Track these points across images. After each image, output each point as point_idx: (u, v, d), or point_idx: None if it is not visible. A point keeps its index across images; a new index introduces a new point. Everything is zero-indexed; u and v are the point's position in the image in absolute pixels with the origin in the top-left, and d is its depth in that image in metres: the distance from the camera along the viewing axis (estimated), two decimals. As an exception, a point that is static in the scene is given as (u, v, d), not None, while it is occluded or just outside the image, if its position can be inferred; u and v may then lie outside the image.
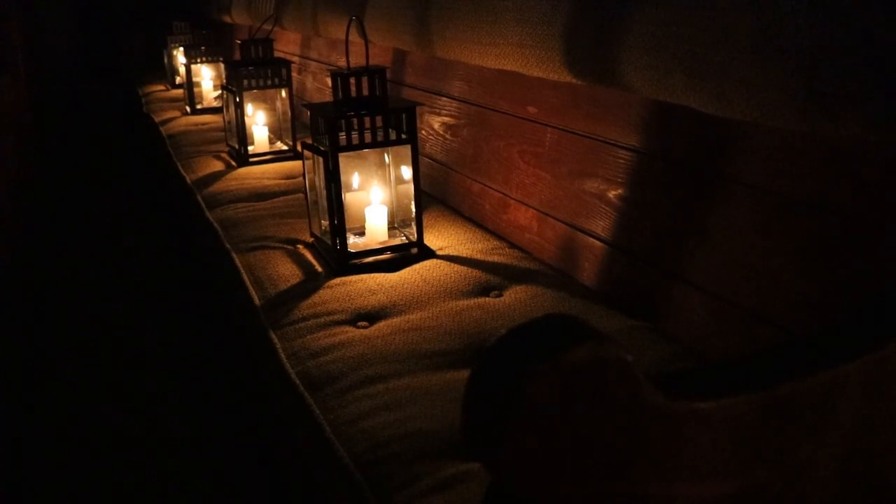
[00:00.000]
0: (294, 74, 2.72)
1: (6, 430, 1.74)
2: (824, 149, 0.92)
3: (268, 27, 2.65)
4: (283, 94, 2.35)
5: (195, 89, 3.40)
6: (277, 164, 2.30)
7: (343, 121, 1.38)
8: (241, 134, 2.32)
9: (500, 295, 1.29)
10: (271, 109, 2.44)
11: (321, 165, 1.42)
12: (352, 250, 1.44)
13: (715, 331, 1.06)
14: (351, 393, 1.02)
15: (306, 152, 1.51)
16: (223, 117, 2.58)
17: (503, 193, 1.62)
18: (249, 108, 2.38)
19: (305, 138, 1.58)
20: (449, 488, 0.81)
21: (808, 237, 0.94)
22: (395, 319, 1.21)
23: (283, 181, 2.10)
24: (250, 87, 2.29)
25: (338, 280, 1.36)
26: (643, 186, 1.22)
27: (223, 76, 2.98)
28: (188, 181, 2.26)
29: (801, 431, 0.54)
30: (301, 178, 1.84)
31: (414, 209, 1.46)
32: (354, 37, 1.58)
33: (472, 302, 1.26)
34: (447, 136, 1.87)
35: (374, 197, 1.51)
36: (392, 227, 1.54)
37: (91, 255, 2.94)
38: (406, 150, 1.45)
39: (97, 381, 1.96)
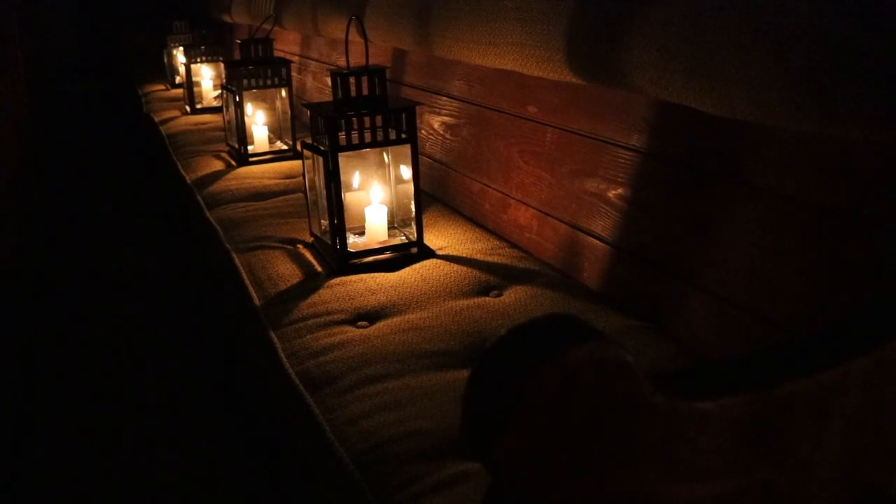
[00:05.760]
0: (294, 74, 2.72)
1: (6, 430, 1.74)
2: (825, 149, 0.92)
3: (267, 27, 2.65)
4: (283, 93, 2.35)
5: (195, 89, 3.39)
6: (277, 163, 2.30)
7: (343, 120, 1.38)
8: (241, 133, 2.32)
9: (500, 295, 1.29)
10: (271, 109, 2.44)
11: (321, 165, 1.42)
12: (351, 250, 1.44)
13: (715, 331, 1.06)
14: (351, 393, 1.02)
15: (306, 152, 1.51)
16: (223, 117, 2.58)
17: (503, 193, 1.61)
18: (249, 108, 2.38)
19: (305, 138, 1.58)
20: (449, 488, 0.81)
21: (809, 237, 0.94)
22: (394, 319, 1.21)
23: (282, 181, 2.10)
24: (250, 87, 2.29)
25: (337, 280, 1.36)
26: (644, 186, 1.22)
27: (223, 76, 2.98)
28: (188, 181, 2.26)
29: (800, 431, 0.54)
30: (301, 178, 1.84)
31: (414, 209, 1.46)
32: (354, 36, 1.57)
33: (472, 302, 1.26)
34: (447, 136, 1.87)
35: (373, 196, 1.50)
36: (392, 226, 1.54)
37: (91, 254, 2.94)
38: (406, 150, 1.45)
39: (97, 380, 1.96)
